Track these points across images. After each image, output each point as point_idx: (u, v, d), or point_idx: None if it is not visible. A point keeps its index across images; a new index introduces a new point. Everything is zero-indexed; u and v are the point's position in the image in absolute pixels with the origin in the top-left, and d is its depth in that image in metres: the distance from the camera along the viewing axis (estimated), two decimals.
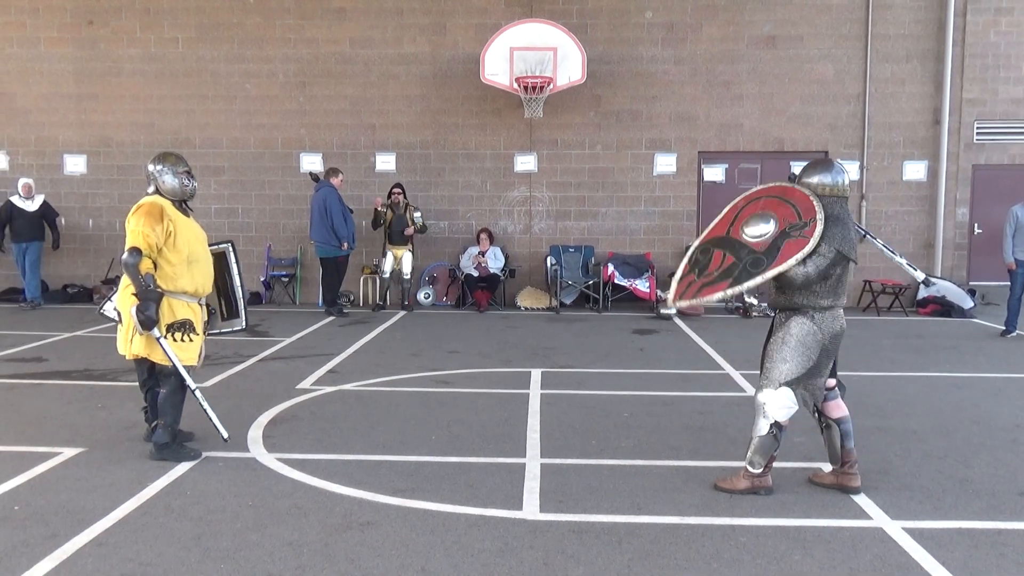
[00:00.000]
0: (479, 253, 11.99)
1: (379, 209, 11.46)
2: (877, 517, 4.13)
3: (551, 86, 11.35)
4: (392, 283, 11.79)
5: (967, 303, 11.50)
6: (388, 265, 11.59)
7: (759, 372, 4.43)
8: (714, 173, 12.48)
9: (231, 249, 5.68)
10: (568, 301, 12.21)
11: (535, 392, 6.74)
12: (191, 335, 4.91)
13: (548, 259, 12.33)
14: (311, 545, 3.76)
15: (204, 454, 5.01)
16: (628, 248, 12.48)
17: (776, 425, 4.30)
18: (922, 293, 12.06)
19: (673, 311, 11.31)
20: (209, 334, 5.34)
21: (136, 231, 4.76)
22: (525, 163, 12.45)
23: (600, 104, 12.30)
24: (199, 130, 12.54)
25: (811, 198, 4.24)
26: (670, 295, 4.38)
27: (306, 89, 12.44)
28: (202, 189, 12.48)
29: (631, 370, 7.73)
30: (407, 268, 11.67)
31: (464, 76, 12.17)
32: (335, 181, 11.12)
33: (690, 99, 12.29)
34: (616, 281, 11.90)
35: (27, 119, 12.62)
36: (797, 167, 13.12)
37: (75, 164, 12.68)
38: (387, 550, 3.71)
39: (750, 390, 6.86)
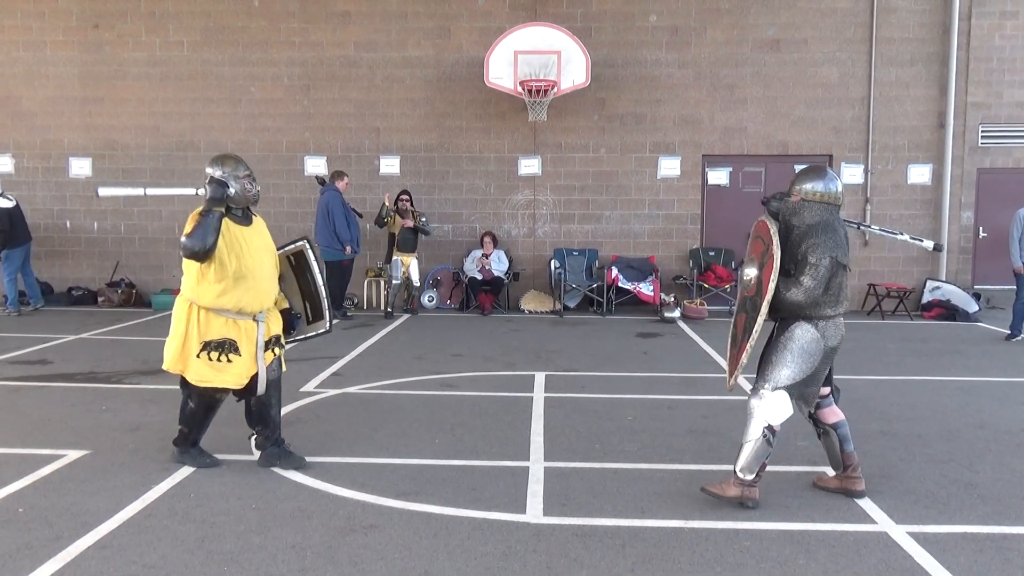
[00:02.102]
0: (483, 256, 12.00)
1: (387, 204, 11.38)
2: (881, 521, 4.12)
3: (555, 89, 11.36)
4: (402, 289, 11.78)
5: (972, 307, 11.48)
6: (399, 271, 11.55)
7: (756, 375, 4.38)
8: (718, 176, 12.47)
9: (308, 246, 5.03)
10: (572, 304, 12.21)
11: (539, 395, 6.73)
12: (230, 355, 4.54)
13: (552, 262, 12.33)
14: (314, 548, 3.76)
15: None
16: (632, 251, 12.47)
17: (769, 428, 4.23)
18: (927, 296, 12.04)
19: (677, 314, 11.30)
20: (293, 340, 5.12)
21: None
22: (529, 166, 12.45)
23: (604, 107, 12.30)
24: (204, 133, 12.57)
25: (767, 222, 4.24)
26: (727, 380, 4.43)
27: (310, 92, 12.47)
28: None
29: (635, 374, 7.72)
30: (415, 275, 11.68)
31: (468, 79, 12.18)
32: (340, 184, 11.13)
33: (694, 102, 12.28)
34: (620, 284, 11.89)
35: (33, 122, 12.66)
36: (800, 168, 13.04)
37: (80, 167, 12.71)
38: (390, 553, 3.71)
39: None
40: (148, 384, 7.07)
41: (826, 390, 4.49)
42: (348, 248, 11.00)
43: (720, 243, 12.43)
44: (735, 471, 4.27)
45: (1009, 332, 9.75)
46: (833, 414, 4.50)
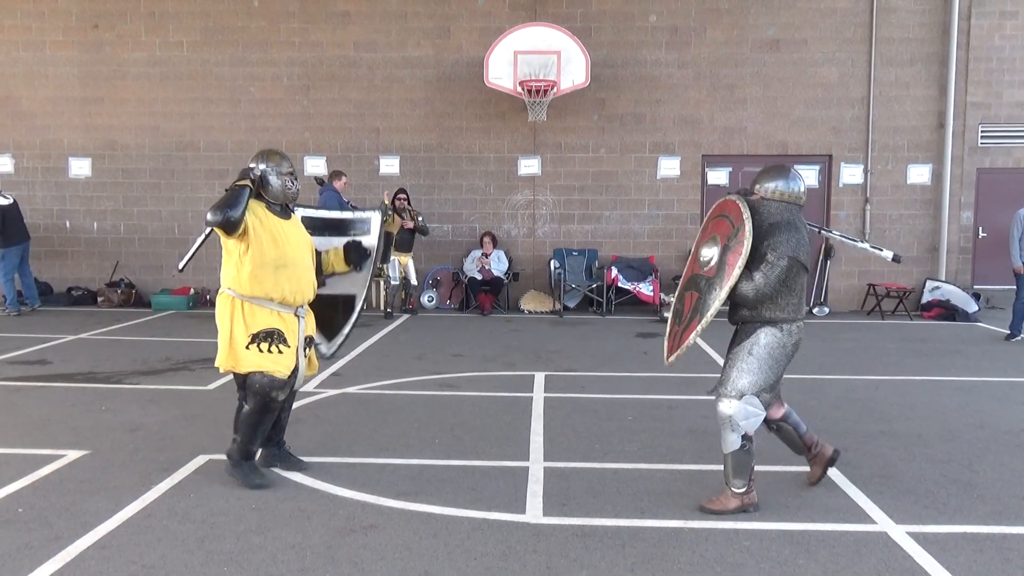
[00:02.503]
0: (483, 256, 12.00)
1: (385, 203, 11.35)
2: (881, 521, 4.12)
3: (555, 89, 11.35)
4: (400, 289, 11.78)
5: (971, 307, 11.48)
6: (396, 271, 11.56)
7: (720, 380, 4.28)
8: (718, 176, 12.47)
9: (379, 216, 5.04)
10: (571, 304, 12.21)
11: (538, 395, 6.73)
12: (280, 346, 4.44)
13: (552, 262, 12.33)
14: (314, 548, 3.76)
15: (208, 457, 5.02)
16: (632, 251, 12.47)
17: (747, 437, 4.16)
18: (926, 296, 12.04)
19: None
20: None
21: None
22: (529, 166, 12.45)
23: (604, 107, 12.30)
24: (204, 133, 12.57)
25: (738, 202, 4.16)
26: (665, 354, 4.27)
27: (310, 92, 12.46)
28: (206, 192, 12.56)
29: (634, 374, 7.72)
30: (412, 274, 11.69)
31: (468, 80, 12.18)
32: (338, 184, 11.11)
33: (694, 103, 12.28)
34: (620, 284, 11.89)
35: (32, 122, 12.66)
36: (801, 171, 13.12)
37: (80, 167, 12.71)
38: (390, 553, 3.71)
39: None
40: (148, 384, 7.07)
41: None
42: None
43: None
44: (727, 485, 4.22)
45: (1009, 332, 9.75)
46: (780, 409, 4.48)
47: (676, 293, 4.46)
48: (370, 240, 5.03)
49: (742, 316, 4.24)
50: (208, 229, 4.53)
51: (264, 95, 12.48)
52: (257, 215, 4.43)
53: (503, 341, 9.50)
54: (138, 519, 4.07)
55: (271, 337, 4.43)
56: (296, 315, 4.54)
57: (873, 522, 4.12)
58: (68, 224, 12.64)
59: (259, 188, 4.52)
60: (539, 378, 7.39)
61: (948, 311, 11.55)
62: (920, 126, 12.22)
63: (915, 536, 3.93)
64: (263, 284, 4.40)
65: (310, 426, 5.78)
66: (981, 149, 12.24)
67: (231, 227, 4.30)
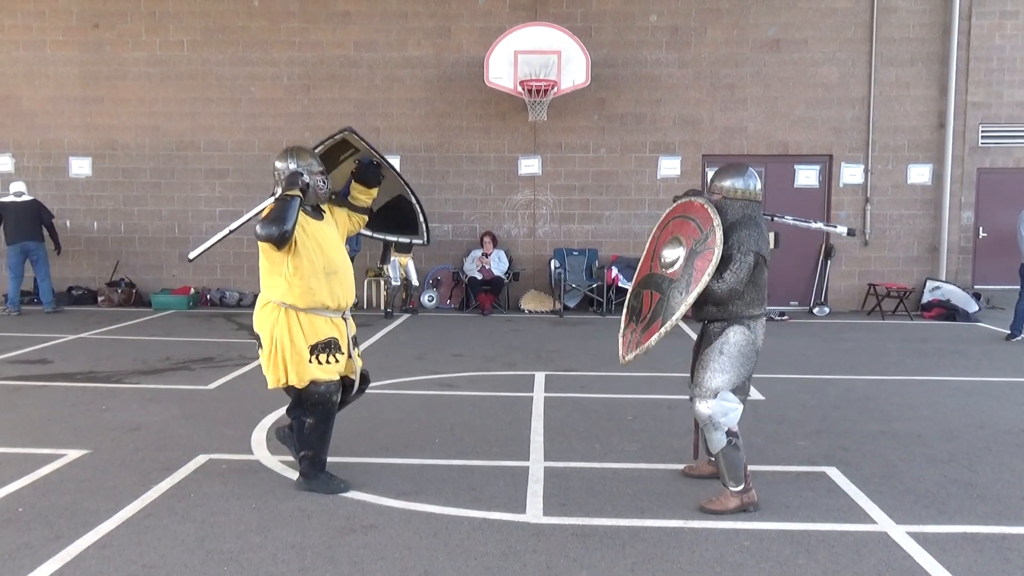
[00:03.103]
0: (483, 256, 12.00)
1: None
2: (881, 521, 4.12)
3: (555, 89, 11.35)
4: (401, 289, 11.79)
5: (972, 307, 11.48)
6: (396, 271, 11.57)
7: (690, 381, 4.27)
8: None
9: (351, 131, 4.71)
10: (572, 304, 12.21)
11: (539, 395, 6.73)
12: (336, 355, 4.35)
13: (552, 262, 12.33)
14: (314, 548, 3.76)
15: (208, 457, 5.02)
16: (632, 251, 12.46)
17: (731, 432, 4.18)
18: (927, 296, 12.03)
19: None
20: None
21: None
22: (529, 166, 12.45)
23: (604, 107, 12.30)
24: (204, 133, 12.57)
25: (706, 207, 4.16)
26: (619, 351, 4.27)
27: (310, 92, 12.46)
28: (206, 192, 12.57)
29: (635, 373, 7.72)
30: (413, 274, 11.70)
31: (468, 79, 12.18)
32: None
33: (694, 102, 12.28)
34: (620, 284, 11.89)
35: (33, 122, 12.66)
36: (802, 171, 13.02)
37: (80, 167, 12.71)
38: (390, 553, 3.71)
39: (754, 393, 6.85)
40: (148, 384, 7.07)
41: None
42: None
43: None
44: (724, 486, 4.23)
45: (1009, 332, 9.74)
46: None
47: (634, 289, 4.44)
48: (363, 152, 4.77)
49: (710, 313, 4.25)
50: (230, 228, 4.46)
51: (264, 95, 12.48)
52: (300, 223, 4.24)
53: (503, 341, 9.50)
54: (138, 518, 4.07)
55: (328, 347, 4.32)
56: (343, 318, 4.46)
57: (873, 522, 4.12)
58: (68, 224, 12.64)
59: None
60: (539, 378, 7.39)
61: (948, 311, 11.54)
62: (920, 126, 12.21)
63: (915, 536, 3.93)
64: (317, 294, 4.26)
65: None
66: (981, 149, 12.24)
67: (283, 242, 4.14)
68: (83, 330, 9.99)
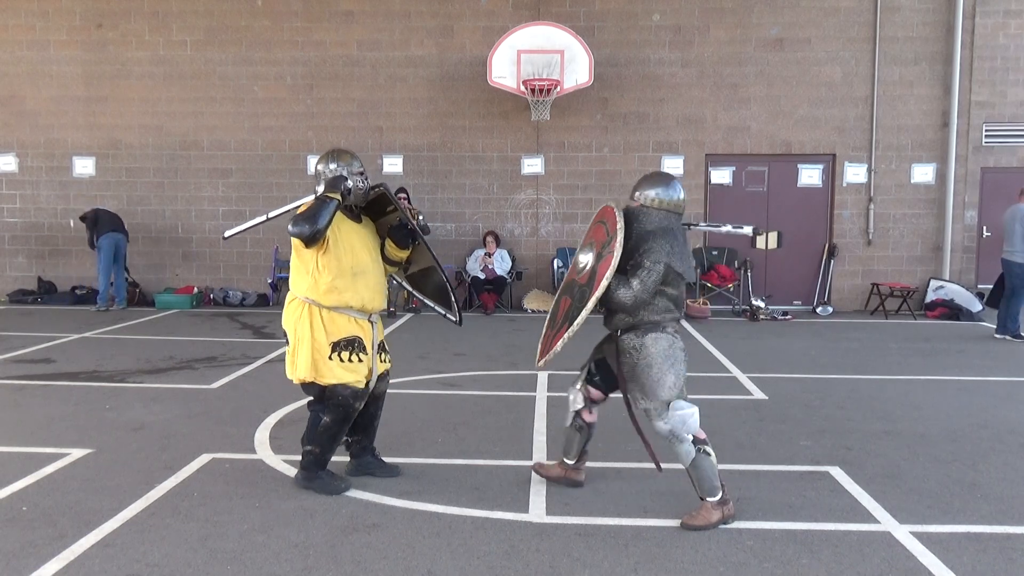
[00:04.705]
0: (486, 255, 12.00)
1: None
2: (885, 521, 4.11)
3: (558, 89, 11.35)
4: (403, 289, 11.79)
5: (976, 306, 11.46)
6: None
7: (639, 399, 4.14)
8: (721, 176, 12.46)
9: (385, 188, 4.61)
10: None
11: (541, 395, 6.73)
12: (360, 355, 4.33)
13: (555, 262, 12.33)
14: (317, 547, 3.76)
15: (212, 456, 5.03)
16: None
17: (698, 440, 4.07)
18: (930, 296, 12.01)
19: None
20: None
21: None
22: (532, 166, 12.45)
23: (607, 107, 12.30)
24: (207, 132, 12.59)
25: (615, 211, 4.11)
26: (536, 357, 4.19)
27: (313, 91, 12.47)
28: (210, 191, 12.58)
29: None
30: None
31: (471, 79, 12.18)
32: None
33: (697, 102, 12.27)
34: None
35: (36, 121, 12.69)
36: (805, 170, 12.99)
37: (84, 166, 12.74)
38: (393, 552, 3.71)
39: (757, 393, 6.85)
40: (151, 383, 7.08)
41: (601, 396, 4.47)
42: None
43: (723, 243, 12.42)
44: (703, 499, 4.09)
45: (999, 328, 9.74)
46: (592, 415, 4.53)
47: (556, 295, 4.47)
48: (402, 214, 4.68)
49: (622, 322, 4.15)
50: (269, 215, 4.51)
51: (267, 94, 12.49)
52: (335, 222, 4.28)
53: (506, 340, 9.50)
54: (141, 518, 4.08)
55: (352, 345, 4.30)
56: (370, 321, 4.44)
57: (876, 522, 4.11)
58: (72, 223, 12.66)
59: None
60: (542, 377, 7.39)
61: (952, 311, 11.53)
62: (924, 125, 12.20)
63: (919, 536, 3.92)
64: (343, 293, 4.28)
65: None
66: (985, 148, 12.21)
67: (313, 241, 4.19)
68: (86, 329, 10.00)
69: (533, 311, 11.99)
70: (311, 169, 12.28)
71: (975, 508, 4.30)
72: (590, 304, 3.95)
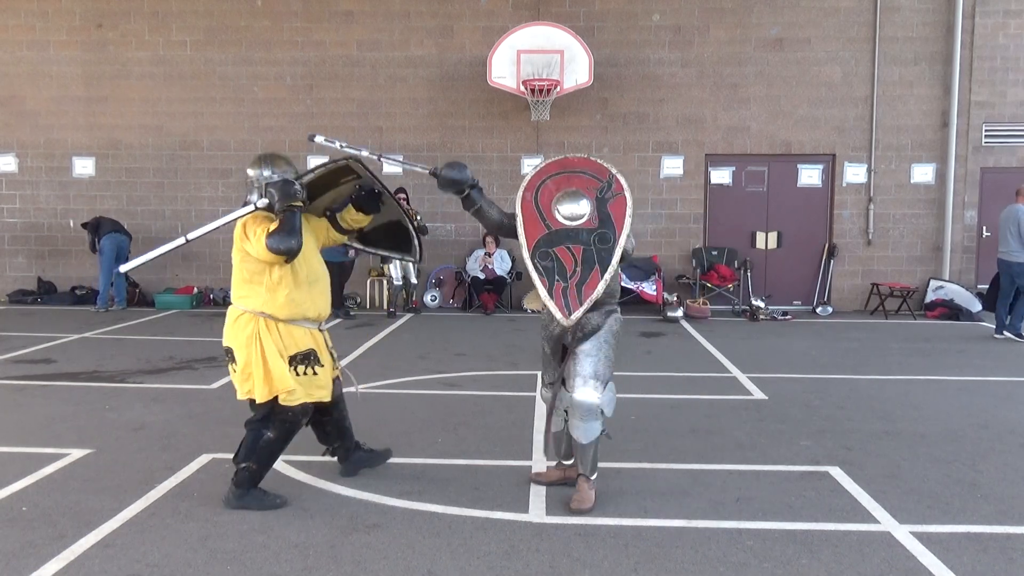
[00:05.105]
0: (486, 255, 12.00)
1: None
2: (885, 521, 4.11)
3: (558, 89, 11.35)
4: (402, 288, 11.80)
5: (975, 306, 11.46)
6: (397, 272, 11.58)
7: (572, 375, 4.20)
8: (721, 176, 12.46)
9: (356, 158, 4.42)
10: None
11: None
12: (315, 367, 4.22)
13: None
14: (317, 547, 3.76)
15: (212, 456, 5.02)
16: (635, 251, 12.44)
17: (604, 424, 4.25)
18: (930, 296, 12.00)
19: (680, 313, 11.27)
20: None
21: (255, 236, 4.05)
22: (532, 166, 12.40)
23: (607, 107, 12.30)
24: (207, 132, 12.59)
25: (590, 157, 4.27)
26: (559, 315, 3.95)
27: (313, 92, 12.47)
28: (209, 191, 12.58)
29: (637, 373, 7.71)
30: (412, 272, 11.70)
31: (471, 79, 12.18)
32: None
33: (697, 102, 12.27)
34: (623, 284, 11.87)
35: (36, 122, 12.68)
36: (805, 170, 12.97)
37: (84, 166, 12.74)
38: (393, 552, 3.71)
39: (757, 393, 6.85)
40: (151, 383, 7.08)
41: None
42: (351, 252, 11.00)
43: (723, 242, 12.42)
44: (587, 476, 4.23)
45: (1000, 327, 9.76)
46: None
47: (535, 251, 4.10)
48: (367, 181, 4.52)
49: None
50: (184, 239, 4.24)
51: (267, 94, 12.49)
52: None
53: (506, 340, 9.50)
54: (141, 518, 4.08)
55: (308, 359, 4.19)
56: (320, 329, 4.35)
57: (876, 522, 4.11)
58: (72, 223, 12.66)
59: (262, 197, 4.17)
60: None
61: (952, 311, 11.53)
62: (924, 125, 12.20)
63: (919, 536, 3.92)
64: (301, 305, 4.16)
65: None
66: (985, 148, 12.22)
67: (293, 257, 4.04)
68: (86, 329, 10.00)
69: (533, 311, 11.98)
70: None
71: (975, 508, 4.30)
72: (622, 239, 3.98)
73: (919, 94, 12.14)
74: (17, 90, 12.65)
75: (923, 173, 12.27)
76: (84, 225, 11.98)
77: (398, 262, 11.51)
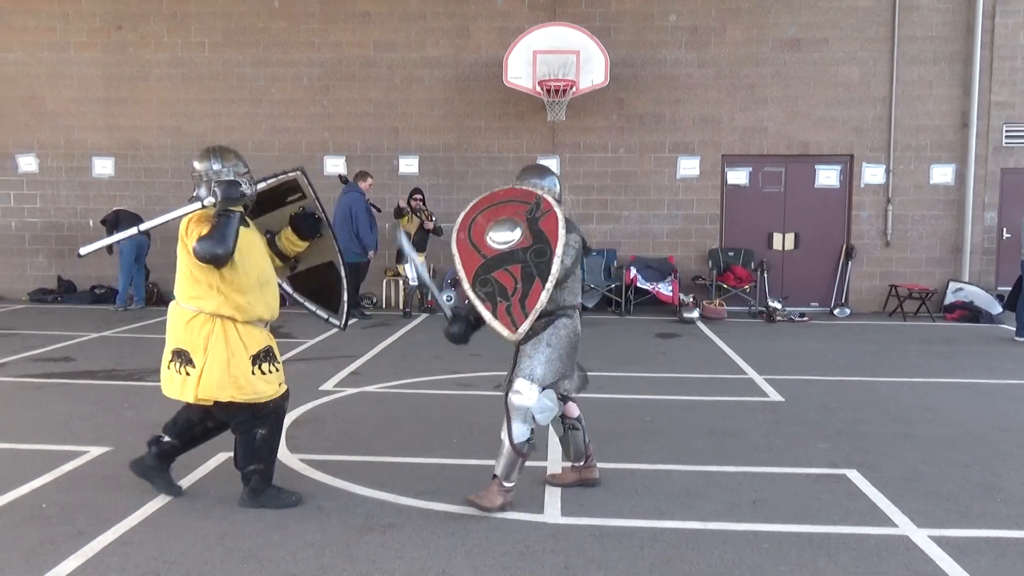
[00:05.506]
0: None
1: (401, 206, 11.37)
2: (903, 525, 4.08)
3: (574, 89, 11.34)
4: (417, 289, 11.82)
5: (995, 308, 11.34)
6: (412, 271, 11.58)
7: (512, 372, 4.21)
8: (737, 177, 12.41)
9: (303, 172, 4.39)
10: (590, 305, 12.18)
11: None
12: (275, 364, 4.16)
13: None
14: (333, 546, 3.78)
15: (228, 455, 5.05)
16: (651, 251, 12.42)
17: (532, 432, 4.13)
18: (949, 298, 11.90)
19: (696, 315, 11.23)
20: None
21: (191, 237, 3.92)
22: (548, 166, 12.42)
23: (623, 107, 12.27)
24: (225, 133, 12.64)
25: (516, 186, 4.31)
26: (506, 332, 3.95)
27: (330, 92, 12.53)
28: None
29: (653, 374, 7.69)
30: (425, 272, 11.67)
31: (487, 79, 12.19)
32: (363, 185, 11.09)
33: (714, 102, 12.22)
34: (639, 285, 11.85)
35: (57, 122, 12.81)
36: (822, 171, 12.88)
37: (103, 167, 12.85)
38: (408, 552, 3.72)
39: (774, 395, 6.82)
40: None
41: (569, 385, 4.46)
42: (372, 253, 11.02)
43: (739, 243, 12.36)
44: (499, 478, 4.13)
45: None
46: (575, 408, 4.51)
47: (475, 281, 4.12)
48: (310, 202, 4.41)
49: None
50: (137, 229, 4.22)
51: (284, 95, 12.55)
52: (239, 233, 3.95)
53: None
54: (159, 515, 4.11)
55: (268, 356, 4.12)
56: (269, 328, 4.27)
57: (894, 525, 4.08)
58: (91, 223, 12.77)
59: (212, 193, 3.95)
60: None
61: (971, 313, 11.42)
62: (943, 126, 12.09)
63: (937, 540, 3.89)
64: (255, 307, 4.06)
65: (329, 424, 5.81)
66: (1005, 149, 12.09)
67: (225, 262, 3.88)
68: (106, 328, 10.09)
69: None
70: (328, 170, 12.42)
71: (994, 512, 4.26)
72: (559, 250, 3.99)
73: (938, 94, 12.04)
74: (38, 91, 12.79)
75: (942, 174, 12.17)
76: (103, 222, 12.05)
77: (413, 262, 11.49)
